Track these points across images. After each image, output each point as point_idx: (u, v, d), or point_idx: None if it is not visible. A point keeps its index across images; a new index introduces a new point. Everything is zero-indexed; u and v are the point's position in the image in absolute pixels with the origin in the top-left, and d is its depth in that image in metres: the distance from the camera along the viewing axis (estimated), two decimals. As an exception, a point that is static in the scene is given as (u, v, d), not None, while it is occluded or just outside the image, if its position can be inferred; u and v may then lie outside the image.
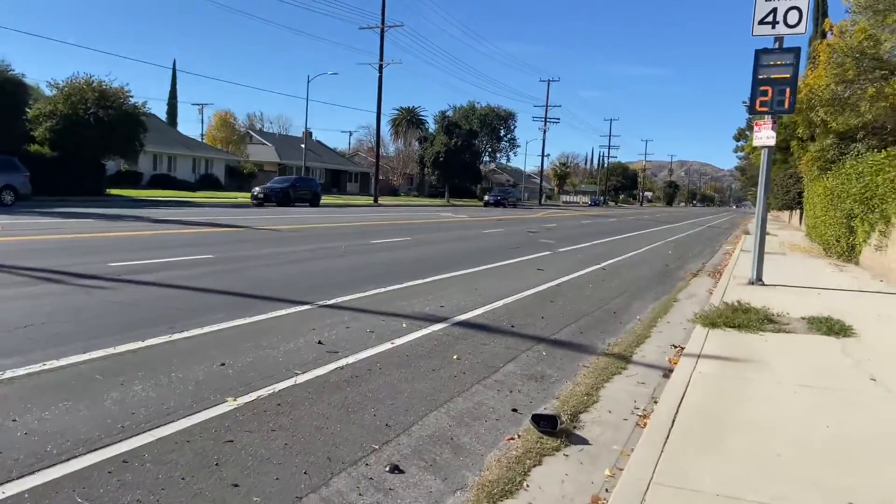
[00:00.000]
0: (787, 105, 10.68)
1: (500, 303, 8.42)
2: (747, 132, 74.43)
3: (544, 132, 76.07)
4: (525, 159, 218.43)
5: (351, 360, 5.34)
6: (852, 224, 15.92)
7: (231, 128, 55.66)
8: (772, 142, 10.93)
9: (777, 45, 10.83)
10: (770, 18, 10.86)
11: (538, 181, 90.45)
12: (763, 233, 11.22)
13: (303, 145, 50.51)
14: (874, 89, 18.08)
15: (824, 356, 6.13)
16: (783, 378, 5.27)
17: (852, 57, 18.32)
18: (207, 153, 48.75)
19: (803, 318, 7.91)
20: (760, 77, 10.86)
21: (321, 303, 7.48)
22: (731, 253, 19.21)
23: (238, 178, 46.83)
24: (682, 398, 4.70)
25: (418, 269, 10.85)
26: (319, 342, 5.77)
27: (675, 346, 6.94)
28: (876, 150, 17.21)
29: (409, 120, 79.46)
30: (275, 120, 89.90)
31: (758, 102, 10.90)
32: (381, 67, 43.37)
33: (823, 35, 25.55)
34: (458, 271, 11.00)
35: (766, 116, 10.96)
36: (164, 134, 47.07)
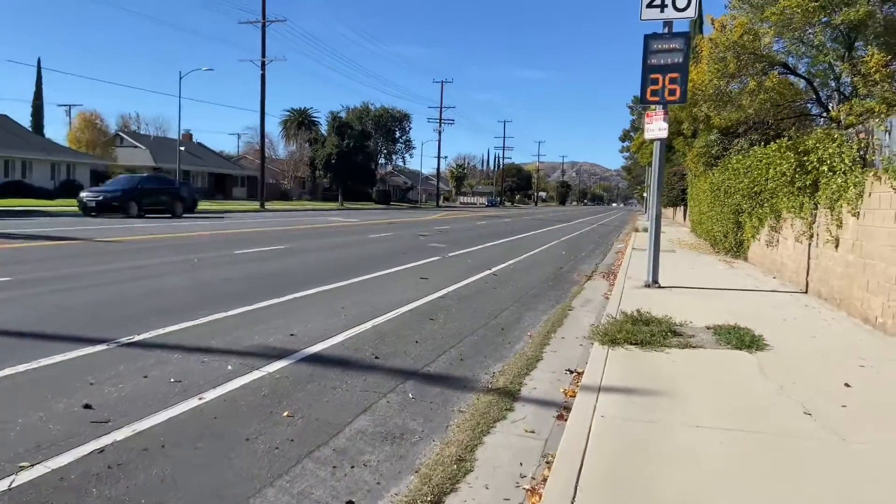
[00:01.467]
0: (678, 94, 9.94)
1: (369, 324, 7.00)
2: (631, 133, 77.30)
3: (439, 133, 75.55)
4: (421, 161, 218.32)
5: (122, 434, 3.72)
6: (740, 220, 15.76)
7: (97, 129, 50.72)
8: (664, 133, 10.18)
9: (666, 31, 10.10)
10: (658, 2, 10.11)
11: (436, 183, 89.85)
12: (658, 232, 10.47)
13: (181, 147, 46.82)
14: (755, 83, 18.20)
15: (743, 380, 5.15)
16: (702, 419, 4.18)
17: (733, 51, 18.36)
18: (69, 157, 43.90)
19: (709, 328, 7.04)
20: (650, 63, 10.07)
21: (125, 340, 5.74)
22: (623, 252, 18.81)
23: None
24: (582, 461, 3.47)
25: (279, 285, 9.23)
26: (87, 405, 4.11)
27: (572, 372, 5.80)
28: (759, 144, 17.27)
29: (300, 122, 76.40)
30: (151, 121, 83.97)
31: (648, 92, 10.11)
32: (263, 65, 40.82)
33: (700, 27, 26.10)
34: (327, 285, 9.48)
35: (657, 107, 10.20)
36: (19, 137, 42.05)
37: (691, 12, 9.94)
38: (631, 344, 6.15)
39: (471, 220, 36.60)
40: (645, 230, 26.12)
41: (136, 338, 5.82)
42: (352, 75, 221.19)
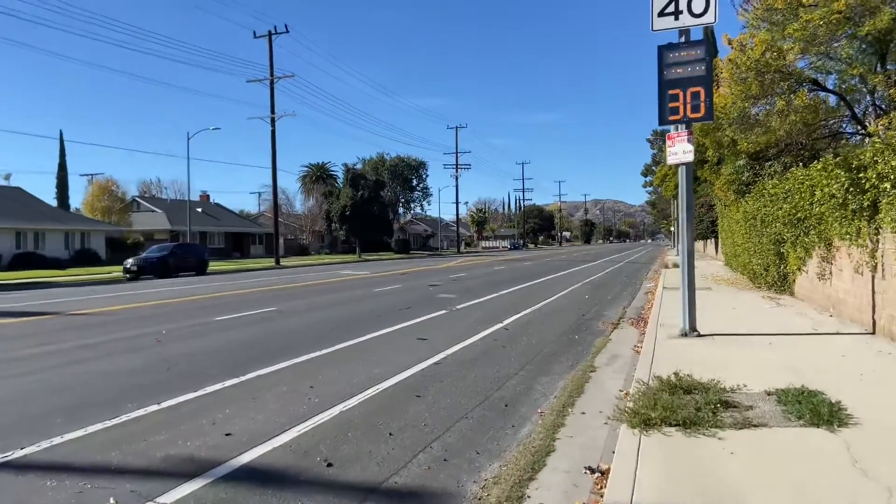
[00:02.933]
0: (703, 110, 8.58)
1: (336, 410, 5.58)
2: (653, 167, 75.89)
3: (456, 178, 74.82)
4: (439, 207, 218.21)
5: None
6: (782, 250, 14.15)
7: (113, 196, 50.85)
8: (689, 157, 8.77)
9: (683, 40, 8.81)
10: (672, 8, 8.85)
11: (456, 228, 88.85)
12: (691, 270, 8.95)
13: (198, 209, 46.51)
14: (783, 102, 16.75)
15: (835, 482, 3.60)
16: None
17: (756, 70, 16.99)
18: (83, 225, 43.60)
19: (769, 394, 5.48)
20: (668, 79, 8.76)
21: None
22: (653, 292, 17.19)
23: (122, 250, 42.11)
24: None
25: (247, 359, 7.88)
26: None
27: (593, 471, 4.30)
28: (793, 166, 15.72)
29: (319, 176, 76.50)
30: (170, 185, 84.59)
31: (668, 110, 8.77)
32: (273, 121, 40.51)
33: (715, 49, 24.78)
34: (305, 355, 8.10)
35: (679, 127, 8.83)
36: (29, 207, 41.99)
37: (710, 17, 8.66)
38: (671, 425, 4.64)
39: (489, 266, 35.13)
40: (675, 266, 24.44)
41: (16, 454, 4.47)
42: (368, 128, 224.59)
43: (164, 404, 5.73)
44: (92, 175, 59.49)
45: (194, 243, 36.03)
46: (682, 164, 8.88)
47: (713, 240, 36.40)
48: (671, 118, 8.75)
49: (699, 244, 46.66)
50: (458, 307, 13.66)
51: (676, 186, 8.96)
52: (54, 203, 67.80)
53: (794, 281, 13.93)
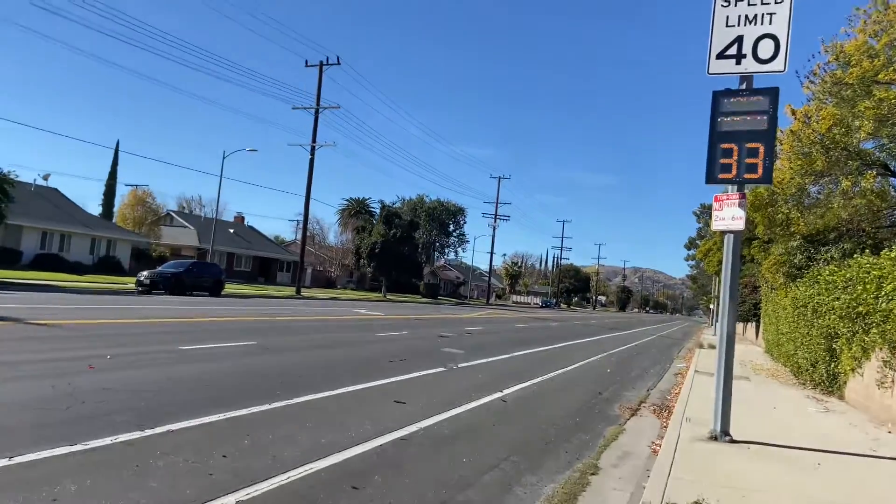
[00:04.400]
0: (761, 170, 7.19)
1: (233, 498, 4.20)
2: (697, 241, 73.69)
3: (494, 228, 73.78)
4: (473, 256, 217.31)
5: None
6: (834, 346, 12.37)
7: (148, 208, 51.10)
8: (740, 224, 7.35)
9: (744, 86, 7.49)
10: (734, 51, 7.58)
11: (488, 279, 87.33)
12: (730, 358, 7.41)
13: (230, 230, 46.24)
14: (849, 183, 15.17)
15: None
16: None
17: (821, 145, 15.51)
18: (110, 233, 43.50)
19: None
20: (721, 130, 7.43)
21: None
22: (684, 374, 15.46)
23: (146, 261, 41.78)
24: None
25: (171, 404, 6.55)
26: None
27: None
28: (853, 254, 14.03)
29: (357, 211, 76.37)
30: (209, 203, 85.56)
31: (718, 167, 7.40)
32: (313, 149, 40.22)
33: (774, 123, 23.28)
34: (247, 407, 6.76)
35: (729, 187, 7.45)
36: (61, 209, 42.15)
37: (779, 64, 7.34)
38: None
39: (512, 322, 33.51)
40: (711, 347, 22.55)
41: None
42: (411, 168, 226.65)
43: (15, 460, 4.41)
44: (136, 186, 60.33)
45: (212, 263, 35.38)
46: (730, 231, 7.46)
47: (754, 323, 34.20)
48: (721, 176, 7.37)
49: (738, 326, 44.28)
50: (459, 366, 12.22)
51: (720, 262, 7.48)
52: (99, 210, 68.99)
53: (845, 383, 12.13)
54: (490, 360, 13.84)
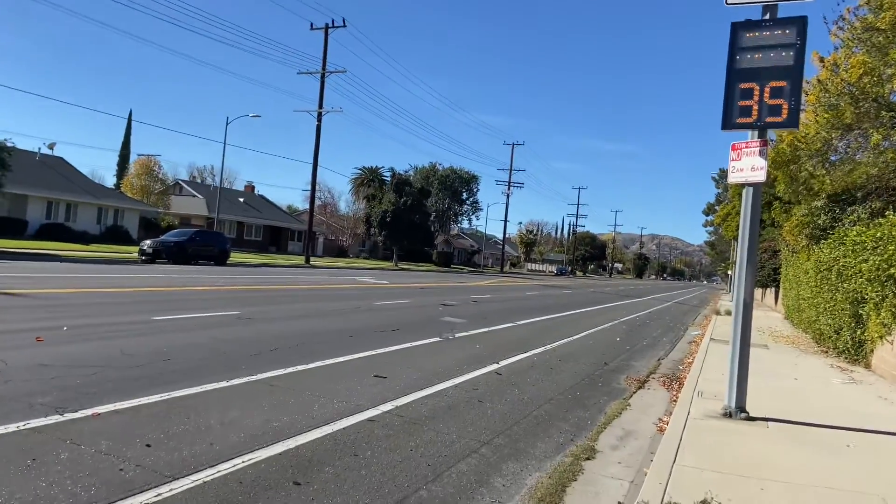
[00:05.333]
0: (785, 113, 6.26)
1: (144, 497, 3.51)
2: (716, 206, 72.08)
3: (507, 196, 72.58)
4: (486, 223, 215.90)
5: None
6: (861, 312, 11.47)
7: (155, 177, 50.52)
8: (760, 175, 6.45)
9: (768, 16, 6.52)
10: (756, -25, 6.59)
11: (502, 247, 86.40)
12: (747, 329, 6.59)
13: (240, 199, 45.65)
14: (880, 136, 14.02)
15: None
16: None
17: (850, 96, 14.34)
18: (118, 202, 43.09)
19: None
20: (741, 68, 6.49)
21: None
22: (698, 342, 14.65)
23: (155, 231, 41.35)
24: None
25: (113, 382, 5.87)
26: None
27: None
28: (883, 214, 13.00)
29: (370, 180, 75.50)
30: (220, 172, 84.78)
31: (736, 110, 6.48)
32: (319, 115, 39.27)
33: (801, 57, 21.92)
34: (201, 385, 6.09)
35: (750, 133, 6.53)
36: (67, 179, 41.71)
37: (809, -10, 6.35)
38: None
39: (523, 289, 32.73)
40: (728, 313, 21.65)
41: None
42: (425, 136, 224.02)
43: None
44: (149, 156, 59.92)
45: (217, 231, 34.83)
46: (749, 184, 6.56)
47: (774, 289, 33.14)
48: (739, 121, 6.46)
49: (757, 292, 43.20)
50: (457, 335, 11.49)
51: (738, 228, 6.59)
52: (114, 180, 68.68)
53: (871, 351, 11.28)
54: (492, 329, 13.10)
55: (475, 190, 76.15)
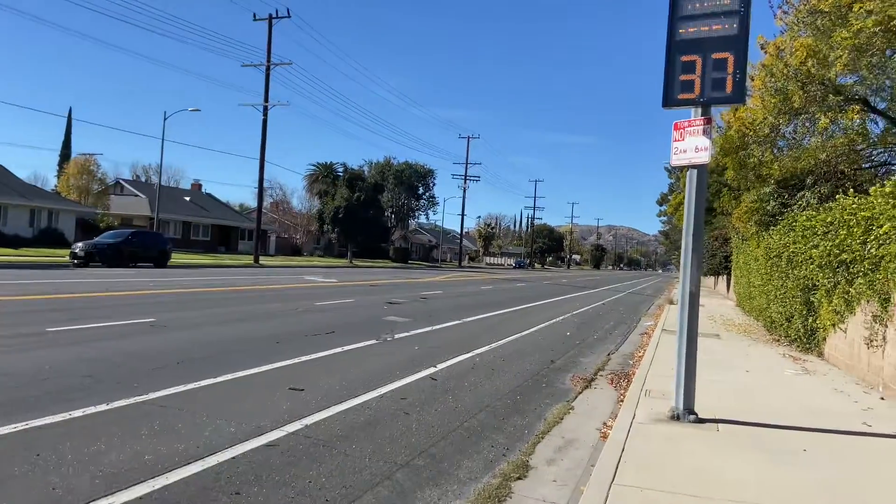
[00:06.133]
0: (730, 86, 5.73)
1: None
2: (669, 196, 72.96)
3: (464, 190, 72.08)
4: (443, 217, 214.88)
5: None
6: (812, 299, 11.20)
7: (93, 177, 48.20)
8: (704, 156, 5.92)
9: (709, -18, 5.96)
10: (695, -62, 6.02)
11: (460, 242, 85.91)
12: (693, 323, 6.06)
13: (186, 198, 43.93)
14: (827, 120, 13.82)
15: None
16: None
17: (797, 80, 14.09)
18: (53, 204, 40.81)
19: None
20: (682, 39, 5.93)
21: None
22: (650, 333, 14.26)
23: (94, 233, 39.41)
24: None
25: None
26: None
27: None
28: (830, 199, 12.78)
29: (325, 176, 74.02)
30: (164, 170, 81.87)
31: (677, 85, 5.93)
32: (265, 109, 37.96)
33: (746, 26, 21.68)
34: (68, 411, 5.26)
35: (693, 111, 5.99)
36: (-1, 181, 39.48)
37: (752, -49, 5.81)
38: None
39: (478, 284, 32.20)
40: (680, 304, 21.47)
41: None
42: (380, 131, 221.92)
43: None
44: (88, 154, 57.28)
45: (156, 232, 33.28)
46: (693, 166, 6.02)
47: (725, 277, 33.37)
48: (682, 97, 5.91)
49: (710, 280, 43.62)
50: (397, 336, 10.79)
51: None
52: (55, 181, 65.55)
53: (824, 339, 11.01)
54: (436, 327, 12.43)
55: (431, 184, 75.41)
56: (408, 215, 75.42)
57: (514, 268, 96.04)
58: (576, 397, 7.54)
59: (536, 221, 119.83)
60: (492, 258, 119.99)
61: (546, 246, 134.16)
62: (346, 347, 9.21)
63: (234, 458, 4.40)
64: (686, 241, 5.99)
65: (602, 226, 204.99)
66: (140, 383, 6.22)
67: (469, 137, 72.43)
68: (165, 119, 36.27)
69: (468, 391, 7.25)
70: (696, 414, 6.02)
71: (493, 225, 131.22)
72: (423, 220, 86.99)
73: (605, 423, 6.39)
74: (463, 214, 73.26)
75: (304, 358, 8.16)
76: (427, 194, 76.26)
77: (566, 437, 5.84)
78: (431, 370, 8.15)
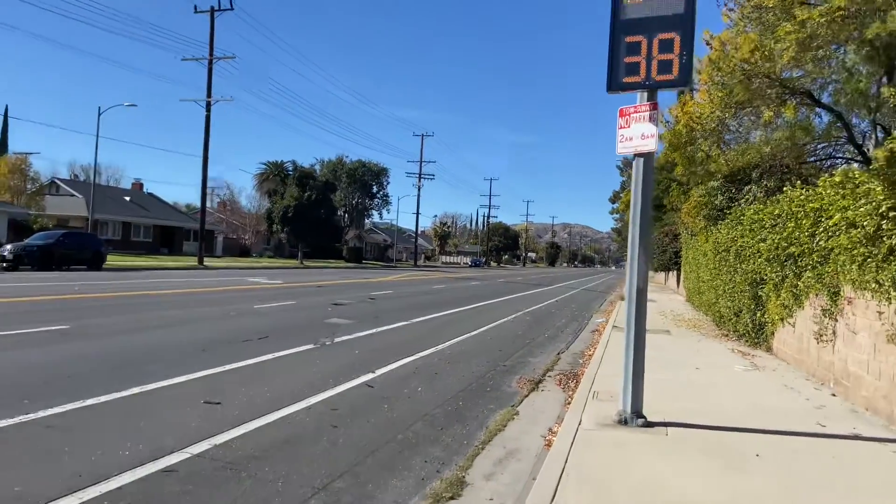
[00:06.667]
0: (676, 69, 5.38)
1: None
2: (620, 194, 73.95)
3: (419, 188, 71.49)
4: (397, 216, 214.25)
5: None
6: (760, 293, 11.08)
7: (26, 176, 45.87)
8: (650, 144, 5.56)
9: (653, -41, 5.60)
10: (638, -89, 5.65)
11: (415, 241, 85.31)
12: (641, 322, 5.71)
13: (126, 197, 42.15)
14: (771, 113, 13.81)
15: None
16: None
17: (742, 73, 14.05)
18: (-23, 205, 38.89)
19: None
20: (626, 19, 5.56)
21: None
22: (601, 330, 14.02)
23: (27, 234, 37.49)
24: None
25: None
26: None
27: None
28: (777, 192, 12.75)
29: (275, 175, 72.37)
30: (105, 170, 78.87)
31: (622, 68, 5.55)
32: (208, 105, 36.65)
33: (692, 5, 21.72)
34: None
35: (639, 95, 5.63)
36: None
37: (697, -75, 5.46)
38: None
39: (430, 283, 31.71)
40: (631, 300, 21.41)
41: None
42: (332, 129, 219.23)
43: None
44: (21, 154, 54.53)
45: (89, 233, 31.73)
46: (639, 154, 5.65)
47: (676, 272, 33.72)
48: (627, 80, 5.53)
49: (660, 276, 44.13)
50: (336, 340, 10.20)
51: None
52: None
53: (772, 334, 10.89)
54: (381, 329, 11.88)
55: (385, 183, 74.66)
56: (362, 214, 74.47)
57: (471, 266, 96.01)
58: (521, 401, 7.13)
59: (493, 220, 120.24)
60: (448, 257, 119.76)
61: (502, 244, 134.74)
62: (277, 354, 8.59)
63: (119, 487, 3.80)
64: (633, 233, 5.62)
65: (557, 224, 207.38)
66: (31, 399, 5.52)
67: (423, 135, 71.90)
68: (100, 114, 34.65)
69: (406, 398, 6.75)
70: (645, 417, 5.67)
71: (448, 224, 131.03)
72: (377, 219, 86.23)
73: (550, 430, 5.99)
74: (418, 213, 72.78)
75: (228, 367, 7.52)
76: (381, 193, 75.51)
77: (508, 447, 5.41)
78: (370, 376, 7.63)
